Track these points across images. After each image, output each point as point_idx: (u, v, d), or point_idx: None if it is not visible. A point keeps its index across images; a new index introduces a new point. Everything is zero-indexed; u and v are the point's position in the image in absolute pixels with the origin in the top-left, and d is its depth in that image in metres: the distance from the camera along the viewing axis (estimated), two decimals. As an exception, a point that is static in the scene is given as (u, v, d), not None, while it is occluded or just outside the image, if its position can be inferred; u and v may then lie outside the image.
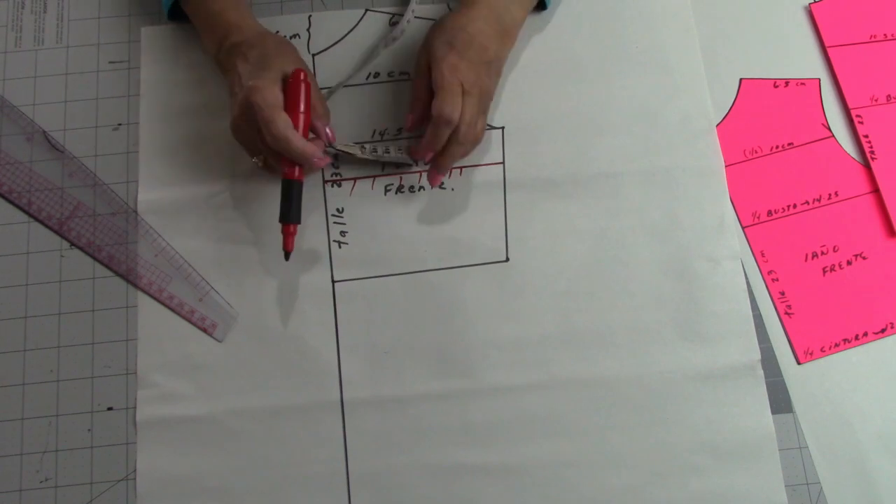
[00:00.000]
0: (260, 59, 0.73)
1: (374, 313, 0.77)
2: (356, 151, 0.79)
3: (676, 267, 0.79)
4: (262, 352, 0.76)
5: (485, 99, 0.76)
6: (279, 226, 0.75)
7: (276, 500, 0.73)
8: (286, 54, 0.75)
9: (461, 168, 0.81)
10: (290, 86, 0.73)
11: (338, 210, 0.80)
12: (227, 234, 0.79)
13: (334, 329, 0.77)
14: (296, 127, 0.71)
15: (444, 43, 0.74)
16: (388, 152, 0.79)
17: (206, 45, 0.79)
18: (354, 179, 0.81)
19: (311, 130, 0.75)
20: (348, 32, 0.85)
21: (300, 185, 0.73)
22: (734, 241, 0.80)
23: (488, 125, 0.82)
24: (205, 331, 0.77)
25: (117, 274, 0.78)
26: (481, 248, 0.79)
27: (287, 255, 0.74)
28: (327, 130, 0.76)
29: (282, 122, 0.70)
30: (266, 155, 0.73)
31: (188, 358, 0.76)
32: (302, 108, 0.73)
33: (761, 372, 0.77)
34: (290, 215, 0.73)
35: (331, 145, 0.77)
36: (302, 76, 0.73)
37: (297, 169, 0.73)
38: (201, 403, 0.75)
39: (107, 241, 0.79)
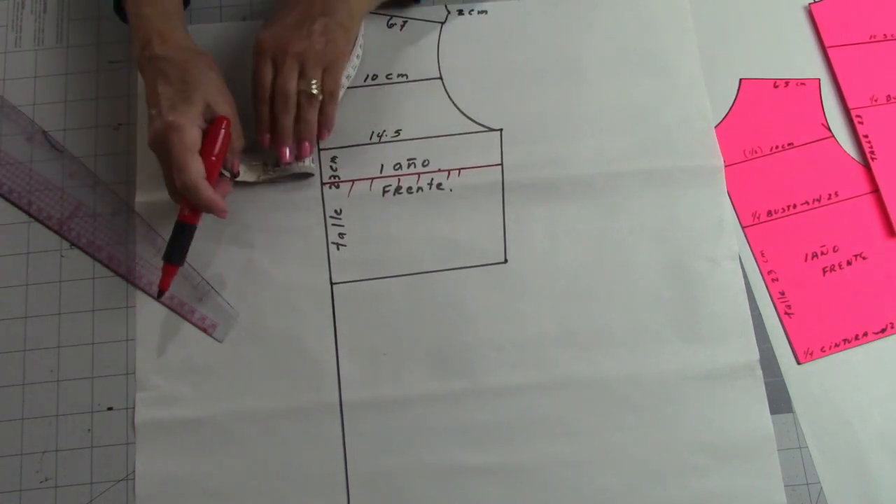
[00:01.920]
0: (182, 84, 0.72)
1: (372, 315, 0.77)
2: (255, 177, 0.79)
3: (675, 267, 0.79)
4: (261, 354, 0.76)
5: (303, 57, 0.75)
6: (278, 228, 0.75)
7: (275, 502, 0.73)
8: (209, 83, 0.74)
9: (459, 170, 0.81)
10: (210, 131, 0.73)
11: (336, 212, 0.80)
12: (225, 237, 0.79)
13: (333, 331, 0.77)
14: (207, 172, 0.71)
15: (272, 17, 0.78)
16: (292, 162, 0.78)
17: (132, 46, 0.76)
18: (352, 181, 0.81)
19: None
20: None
21: (193, 229, 0.74)
22: (733, 241, 0.80)
23: (487, 127, 0.82)
24: (205, 331, 0.77)
25: (117, 274, 0.78)
26: (480, 250, 0.79)
27: (160, 294, 0.74)
28: (237, 162, 0.77)
29: (194, 170, 0.70)
30: (171, 189, 0.74)
31: (187, 360, 0.76)
32: (216, 152, 0.73)
33: (760, 372, 0.77)
34: (173, 255, 0.74)
35: (234, 177, 0.77)
36: (224, 124, 0.73)
37: (196, 215, 0.74)
38: (200, 405, 0.75)
39: (107, 241, 0.79)
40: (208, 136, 0.73)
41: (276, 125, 0.77)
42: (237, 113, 0.76)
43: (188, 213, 0.73)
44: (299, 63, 0.75)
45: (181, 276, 0.77)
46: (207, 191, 0.71)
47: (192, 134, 0.71)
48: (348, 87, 0.83)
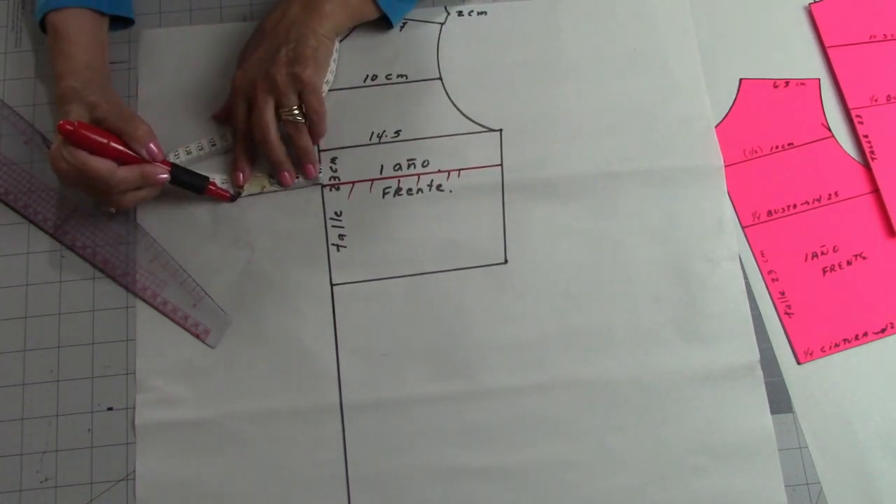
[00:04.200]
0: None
1: (373, 316, 0.77)
2: (259, 188, 0.80)
3: (675, 268, 0.79)
4: (262, 355, 0.76)
5: (274, 86, 0.75)
6: (278, 230, 0.77)
7: (276, 503, 0.73)
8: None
9: (459, 171, 0.81)
10: (80, 140, 0.71)
11: (336, 213, 0.80)
12: (225, 238, 0.79)
13: (333, 332, 0.77)
14: (112, 156, 0.72)
15: (243, 56, 0.81)
16: (298, 178, 0.80)
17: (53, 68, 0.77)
18: (353, 183, 0.81)
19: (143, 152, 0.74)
20: (345, 37, 0.85)
21: (175, 167, 0.76)
22: (733, 241, 0.80)
23: (487, 128, 0.82)
24: (197, 336, 0.76)
25: (112, 278, 0.78)
26: (480, 251, 0.79)
27: (237, 193, 0.79)
28: (152, 147, 0.74)
29: (105, 170, 0.71)
30: (116, 194, 0.73)
31: (187, 362, 0.76)
32: (102, 142, 0.71)
33: (760, 372, 0.77)
34: (199, 181, 0.77)
35: (238, 192, 0.79)
36: (77, 128, 0.70)
37: (159, 161, 0.74)
38: (200, 407, 0.75)
39: (103, 245, 0.79)
40: (84, 144, 0.71)
41: (267, 157, 0.78)
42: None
43: (157, 164, 0.74)
44: (272, 95, 0.76)
45: (176, 282, 0.77)
46: (121, 170, 0.72)
47: (67, 150, 0.71)
48: (334, 90, 0.83)
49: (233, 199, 0.79)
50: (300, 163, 0.79)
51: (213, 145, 0.80)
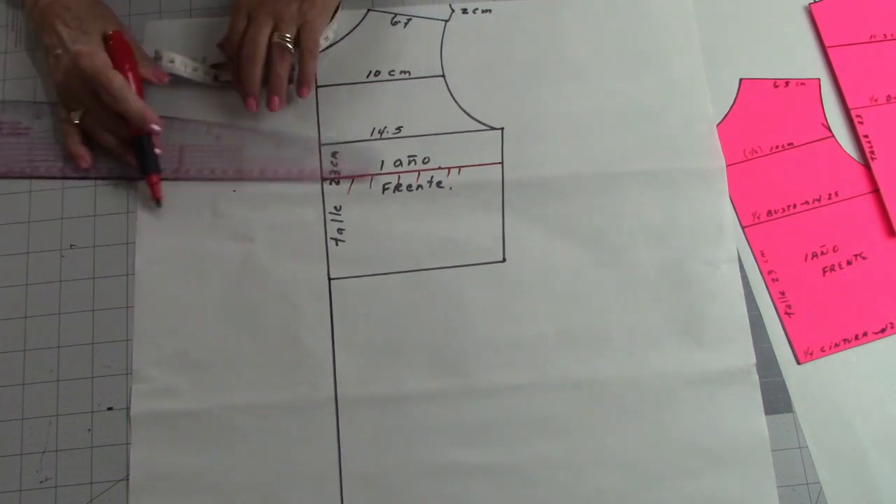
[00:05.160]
0: (78, 22, 0.76)
1: (370, 311, 0.77)
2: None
3: (674, 270, 0.79)
4: (258, 348, 0.76)
5: (278, 12, 0.77)
6: (277, 222, 0.77)
7: (269, 496, 0.73)
8: (102, 17, 0.79)
9: (459, 168, 0.81)
10: (113, 48, 0.77)
11: (335, 208, 0.80)
12: (224, 230, 0.79)
13: (330, 326, 0.77)
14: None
15: None
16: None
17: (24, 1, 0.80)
18: (352, 178, 0.81)
19: (143, 81, 0.79)
20: (349, 32, 0.85)
21: (149, 137, 0.77)
22: (733, 245, 0.80)
23: (488, 126, 0.82)
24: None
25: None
26: (478, 248, 0.79)
27: (158, 203, 0.78)
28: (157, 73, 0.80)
29: (118, 82, 0.74)
30: (100, 119, 0.77)
31: (184, 353, 0.76)
32: (128, 67, 0.77)
33: (756, 377, 0.76)
34: (149, 166, 0.77)
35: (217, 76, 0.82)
36: (122, 37, 0.78)
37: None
38: (196, 398, 0.75)
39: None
40: (114, 54, 0.77)
41: (241, 74, 0.78)
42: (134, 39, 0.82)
43: (134, 127, 0.76)
44: (274, 19, 0.77)
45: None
46: (135, 99, 0.75)
47: (101, 55, 0.75)
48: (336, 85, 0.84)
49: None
50: (270, 89, 0.79)
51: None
